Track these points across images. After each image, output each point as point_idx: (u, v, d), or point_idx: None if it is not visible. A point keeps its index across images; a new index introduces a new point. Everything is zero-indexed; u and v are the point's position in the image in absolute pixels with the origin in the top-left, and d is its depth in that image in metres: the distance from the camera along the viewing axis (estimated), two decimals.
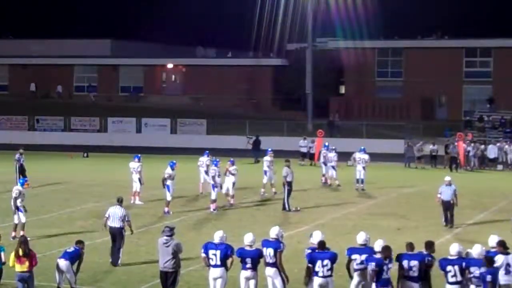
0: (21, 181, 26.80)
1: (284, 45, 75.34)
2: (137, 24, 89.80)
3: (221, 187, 31.24)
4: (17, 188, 25.02)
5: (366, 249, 16.60)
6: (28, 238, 18.29)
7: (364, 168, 37.10)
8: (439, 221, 27.78)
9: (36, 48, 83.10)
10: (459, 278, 15.67)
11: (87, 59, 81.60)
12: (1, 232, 19.66)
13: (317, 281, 16.20)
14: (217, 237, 16.84)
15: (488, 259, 15.56)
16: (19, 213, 24.62)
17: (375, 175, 40.10)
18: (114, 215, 21.56)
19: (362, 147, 38.69)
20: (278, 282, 16.75)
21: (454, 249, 15.86)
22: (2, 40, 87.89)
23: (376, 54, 75.85)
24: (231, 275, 17.13)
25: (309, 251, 16.51)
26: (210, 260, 16.74)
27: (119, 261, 21.37)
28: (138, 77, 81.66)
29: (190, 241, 22.87)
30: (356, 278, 16.56)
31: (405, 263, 15.95)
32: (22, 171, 37.27)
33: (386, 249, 16.17)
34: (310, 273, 16.29)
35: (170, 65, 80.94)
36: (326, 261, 16.13)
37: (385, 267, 15.89)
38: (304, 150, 50.45)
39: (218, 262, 16.68)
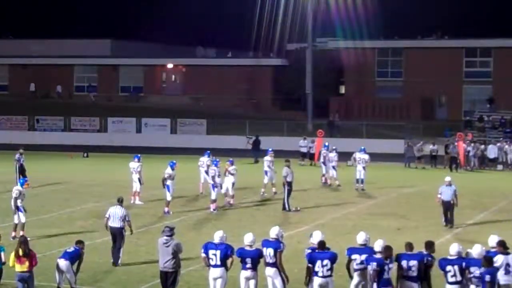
0: (21, 181, 26.75)
1: (284, 45, 75.32)
2: (137, 24, 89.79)
3: (221, 187, 31.27)
4: (17, 188, 25.02)
5: (366, 249, 16.60)
6: (28, 238, 18.29)
7: (364, 168, 37.10)
8: (439, 221, 27.77)
9: (36, 48, 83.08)
10: (458, 278, 15.66)
11: (87, 59, 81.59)
12: (1, 232, 19.65)
13: (317, 281, 16.19)
14: (217, 237, 16.84)
15: (486, 259, 15.54)
16: (19, 213, 24.62)
17: (375, 175, 40.09)
18: (115, 215, 21.57)
19: (362, 147, 38.69)
20: (278, 282, 16.74)
21: (454, 249, 15.86)
22: (2, 40, 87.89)
23: (376, 54, 75.84)
24: (231, 275, 17.12)
25: (309, 251, 16.51)
26: (210, 260, 16.74)
27: (119, 261, 21.38)
28: (138, 77, 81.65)
29: (190, 241, 22.85)
30: (356, 278, 16.56)
31: (404, 263, 15.94)
32: (22, 171, 37.24)
33: (387, 249, 16.17)
34: (310, 273, 16.30)
35: (170, 65, 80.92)
36: (326, 261, 16.13)
37: (386, 267, 15.90)
38: (304, 150, 50.44)
39: (218, 262, 16.67)
